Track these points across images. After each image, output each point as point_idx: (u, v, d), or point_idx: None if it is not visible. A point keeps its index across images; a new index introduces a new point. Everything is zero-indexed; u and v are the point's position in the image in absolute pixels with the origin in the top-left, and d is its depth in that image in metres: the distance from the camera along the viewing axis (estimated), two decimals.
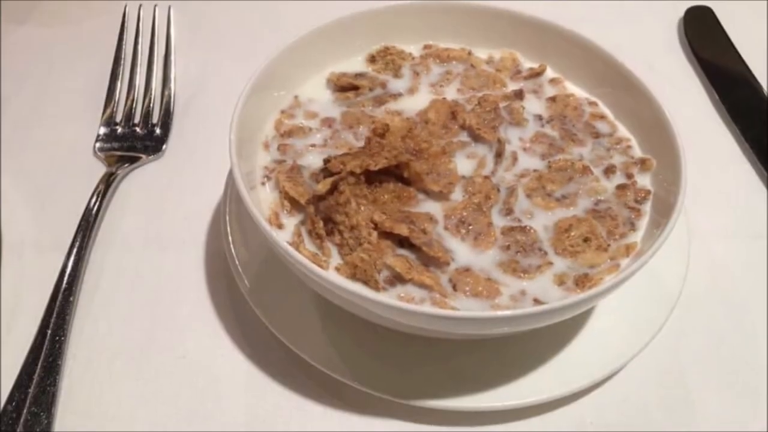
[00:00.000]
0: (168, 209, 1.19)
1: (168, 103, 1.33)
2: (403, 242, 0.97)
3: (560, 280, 0.95)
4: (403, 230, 0.95)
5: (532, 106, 1.15)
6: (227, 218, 1.11)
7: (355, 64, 1.19)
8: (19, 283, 1.08)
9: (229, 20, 1.52)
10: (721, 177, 1.27)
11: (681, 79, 1.42)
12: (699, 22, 1.51)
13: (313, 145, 1.07)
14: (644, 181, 1.06)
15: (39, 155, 1.25)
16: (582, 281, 0.95)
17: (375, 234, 0.96)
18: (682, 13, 1.53)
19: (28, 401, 0.96)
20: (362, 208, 0.98)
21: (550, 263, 0.97)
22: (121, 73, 1.37)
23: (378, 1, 1.18)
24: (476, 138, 1.09)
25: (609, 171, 1.07)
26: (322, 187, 0.97)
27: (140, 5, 1.47)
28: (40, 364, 0.99)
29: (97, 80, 1.35)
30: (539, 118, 1.13)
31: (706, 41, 1.47)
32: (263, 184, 1.03)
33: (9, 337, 1.03)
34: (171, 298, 1.09)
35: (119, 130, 1.28)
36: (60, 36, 1.47)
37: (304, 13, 1.48)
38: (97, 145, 1.26)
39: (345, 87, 1.15)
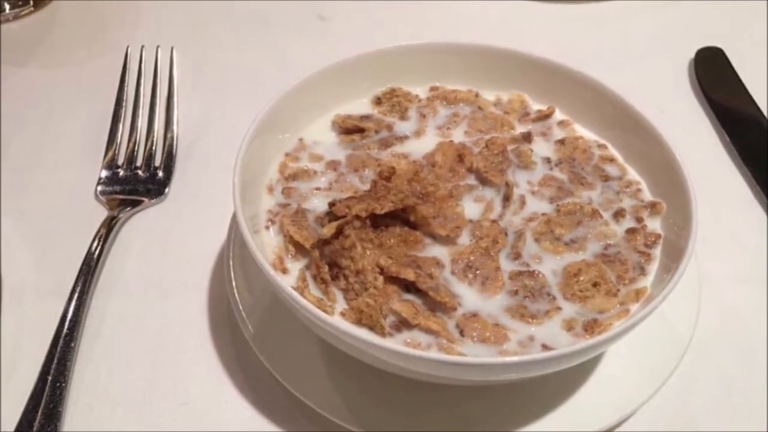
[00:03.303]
0: (170, 253, 1.21)
1: (170, 145, 1.34)
2: (409, 287, 0.99)
3: (569, 326, 0.96)
4: (409, 275, 0.97)
5: (541, 148, 1.16)
6: (230, 263, 1.12)
7: (360, 106, 1.20)
8: (20, 328, 1.09)
9: (233, 62, 1.54)
10: (733, 221, 1.27)
11: (691, 121, 1.43)
12: (710, 63, 1.52)
13: (318, 189, 1.09)
14: (654, 225, 1.08)
15: (40, 198, 1.27)
16: (591, 327, 0.96)
17: (381, 279, 0.98)
18: (692, 54, 1.54)
19: None
20: (368, 252, 0.99)
21: (559, 308, 0.98)
22: (123, 115, 1.38)
23: (384, 42, 1.20)
24: (484, 181, 1.11)
25: (618, 215, 1.09)
26: (327, 231, 0.98)
27: (142, 47, 1.49)
28: (40, 411, 1.00)
29: (98, 123, 1.37)
30: (548, 161, 1.15)
31: (717, 83, 1.48)
32: (267, 228, 1.05)
33: (9, 383, 1.04)
34: (173, 343, 1.10)
35: (121, 173, 1.30)
36: (61, 78, 1.49)
37: (309, 55, 1.50)
38: (99, 188, 1.27)
39: (350, 129, 1.17)
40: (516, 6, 1.51)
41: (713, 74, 1.50)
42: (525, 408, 1.02)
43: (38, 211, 1.25)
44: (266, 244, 1.02)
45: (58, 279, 1.14)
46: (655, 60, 1.56)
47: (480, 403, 1.02)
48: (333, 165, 1.12)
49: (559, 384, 1.03)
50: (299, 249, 1.02)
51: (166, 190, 1.29)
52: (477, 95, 1.22)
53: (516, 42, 1.21)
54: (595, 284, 1.00)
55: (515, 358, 0.90)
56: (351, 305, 0.97)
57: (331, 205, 1.02)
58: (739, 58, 1.53)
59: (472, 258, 1.01)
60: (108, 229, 1.19)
